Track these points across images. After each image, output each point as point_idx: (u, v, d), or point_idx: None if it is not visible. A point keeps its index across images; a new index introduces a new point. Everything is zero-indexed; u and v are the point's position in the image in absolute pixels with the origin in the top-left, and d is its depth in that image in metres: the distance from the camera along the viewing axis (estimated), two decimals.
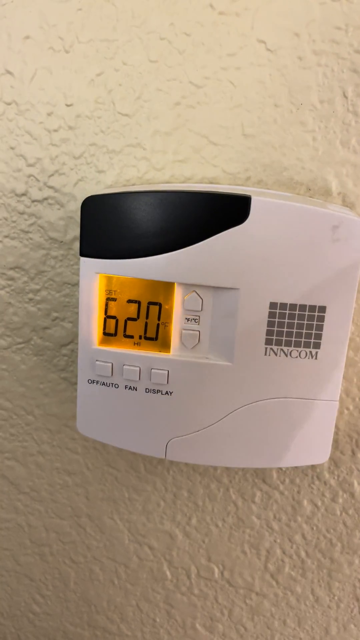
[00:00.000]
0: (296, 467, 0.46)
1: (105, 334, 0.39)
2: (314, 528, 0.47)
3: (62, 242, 0.43)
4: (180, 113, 0.39)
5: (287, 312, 0.36)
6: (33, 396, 0.48)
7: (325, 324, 0.36)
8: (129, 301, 0.38)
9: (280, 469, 0.46)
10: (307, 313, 0.36)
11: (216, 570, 0.51)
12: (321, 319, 0.36)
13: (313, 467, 0.45)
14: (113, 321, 0.39)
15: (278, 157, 0.39)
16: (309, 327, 0.36)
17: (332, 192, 0.39)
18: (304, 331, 0.36)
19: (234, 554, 0.50)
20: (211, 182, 0.40)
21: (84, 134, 0.41)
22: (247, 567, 0.50)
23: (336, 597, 0.49)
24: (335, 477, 0.45)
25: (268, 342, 0.37)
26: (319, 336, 0.36)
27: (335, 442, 0.44)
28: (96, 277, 0.38)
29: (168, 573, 0.52)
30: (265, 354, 0.37)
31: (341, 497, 0.46)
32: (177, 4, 0.37)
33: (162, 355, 0.38)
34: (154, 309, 0.38)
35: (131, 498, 0.50)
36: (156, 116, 0.39)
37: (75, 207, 0.42)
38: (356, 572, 0.48)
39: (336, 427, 0.44)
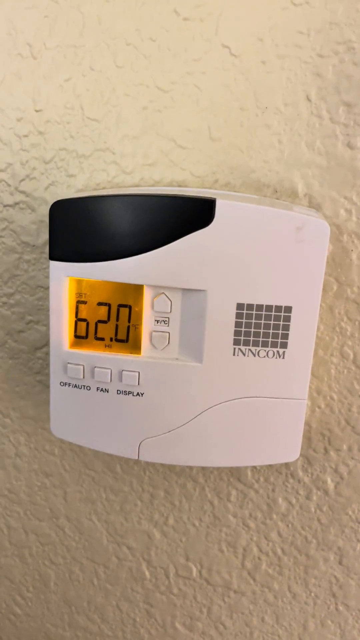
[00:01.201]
0: (270, 466, 0.46)
1: (76, 336, 0.39)
2: (290, 525, 0.48)
3: (34, 245, 0.44)
4: (148, 117, 0.40)
5: (254, 312, 0.37)
6: (9, 399, 0.49)
7: (292, 324, 0.37)
8: (99, 304, 0.39)
9: (255, 467, 0.46)
10: (273, 313, 0.37)
11: (194, 569, 0.51)
12: (287, 319, 0.37)
13: (287, 465, 0.46)
14: (84, 324, 0.39)
15: (245, 159, 0.39)
16: (276, 327, 0.37)
17: (299, 194, 0.39)
18: (271, 331, 0.37)
19: (211, 553, 0.50)
20: (180, 185, 0.41)
21: (54, 139, 0.41)
22: (225, 566, 0.51)
23: (313, 594, 0.50)
24: (309, 475, 0.46)
25: (236, 342, 0.37)
26: (285, 336, 0.37)
27: (308, 440, 0.45)
28: (66, 280, 0.38)
29: (147, 573, 0.53)
30: (234, 354, 0.38)
31: (315, 494, 0.46)
32: (142, 9, 0.38)
33: (133, 357, 0.39)
34: (124, 312, 0.39)
35: (109, 499, 0.51)
36: (124, 120, 0.40)
37: (46, 211, 0.43)
38: (332, 568, 0.49)
39: (308, 425, 0.44)
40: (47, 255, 0.44)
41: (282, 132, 0.38)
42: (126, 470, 0.49)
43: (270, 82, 0.38)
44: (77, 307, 0.39)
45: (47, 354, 0.46)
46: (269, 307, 0.36)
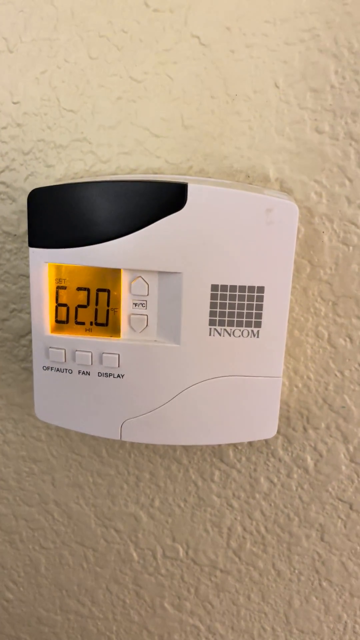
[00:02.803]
0: (251, 445, 0.47)
1: (57, 321, 0.40)
2: (272, 504, 0.49)
3: (15, 235, 0.45)
4: (123, 107, 0.41)
5: (228, 293, 0.38)
6: None
7: (265, 304, 0.38)
8: (79, 289, 0.40)
9: (237, 447, 0.48)
10: (246, 294, 0.38)
11: (181, 549, 0.53)
12: (260, 298, 0.38)
13: (267, 444, 0.47)
14: (64, 309, 0.40)
15: (217, 146, 0.41)
16: (250, 307, 0.38)
17: (270, 179, 0.41)
18: (245, 311, 0.38)
19: (197, 533, 0.52)
20: (155, 173, 0.42)
21: (32, 131, 0.42)
22: (211, 545, 0.52)
23: (297, 571, 0.51)
24: (289, 454, 0.47)
25: (212, 322, 0.38)
26: (259, 315, 0.38)
27: (287, 420, 0.46)
28: (45, 267, 0.39)
29: (135, 555, 0.54)
30: (210, 335, 0.39)
31: (296, 472, 0.48)
32: (113, 2, 0.39)
33: (113, 340, 0.40)
34: (103, 296, 0.40)
35: (95, 482, 0.52)
36: (100, 111, 0.41)
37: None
38: (314, 545, 0.50)
39: (287, 404, 0.45)
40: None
41: (252, 119, 0.40)
42: (112, 454, 0.50)
43: (239, 70, 0.39)
44: (57, 293, 0.40)
45: (32, 341, 0.48)
46: (242, 288, 0.38)
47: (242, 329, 0.38)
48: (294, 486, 0.48)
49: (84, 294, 0.40)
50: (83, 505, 0.53)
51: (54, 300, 0.40)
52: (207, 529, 0.51)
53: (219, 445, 0.48)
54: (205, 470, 0.49)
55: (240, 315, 0.38)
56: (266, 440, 0.47)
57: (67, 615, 0.59)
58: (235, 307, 0.38)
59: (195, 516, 0.51)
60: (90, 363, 0.40)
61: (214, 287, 0.38)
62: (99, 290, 0.40)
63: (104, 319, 0.40)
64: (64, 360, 0.41)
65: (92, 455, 0.51)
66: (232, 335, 0.39)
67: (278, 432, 0.46)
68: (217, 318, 0.38)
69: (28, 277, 0.46)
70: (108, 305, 0.40)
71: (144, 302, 0.40)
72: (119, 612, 0.57)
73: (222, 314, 0.38)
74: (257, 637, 0.55)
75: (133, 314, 0.40)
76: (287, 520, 0.50)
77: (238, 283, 0.38)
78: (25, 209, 0.44)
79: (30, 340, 0.48)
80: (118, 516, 0.53)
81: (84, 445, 0.51)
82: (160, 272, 0.38)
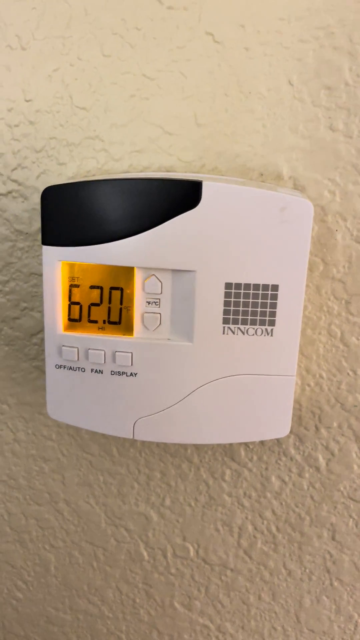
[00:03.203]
0: (263, 444, 0.47)
1: (70, 319, 0.40)
2: (283, 503, 0.49)
3: (27, 233, 0.45)
4: (135, 105, 0.41)
5: (242, 291, 0.38)
6: (6, 386, 0.50)
7: (279, 302, 0.38)
8: (92, 287, 0.40)
9: (248, 446, 0.48)
10: (260, 292, 0.38)
11: (191, 549, 0.53)
12: (274, 297, 0.38)
13: (279, 443, 0.47)
14: (77, 307, 0.40)
15: (230, 144, 0.40)
16: (264, 305, 0.38)
17: (284, 177, 0.40)
18: (259, 309, 0.38)
19: (207, 532, 0.52)
20: (168, 171, 0.42)
21: (44, 128, 0.42)
22: (221, 545, 0.52)
23: (307, 570, 0.51)
24: (301, 453, 0.47)
25: (225, 321, 0.38)
26: (273, 314, 0.38)
27: (299, 419, 0.46)
28: (59, 265, 0.39)
29: (145, 554, 0.54)
30: (224, 333, 0.39)
31: (307, 471, 0.48)
32: (127, 0, 0.39)
33: (126, 338, 0.40)
34: (116, 294, 0.40)
35: (106, 482, 0.52)
36: (112, 109, 0.41)
37: (38, 200, 0.44)
38: (325, 544, 0.50)
39: (299, 403, 0.45)
40: (40, 242, 0.45)
41: (265, 117, 0.40)
42: (122, 453, 0.50)
43: (252, 68, 0.39)
44: (70, 291, 0.40)
45: (43, 340, 0.47)
46: (256, 286, 0.38)
47: (256, 327, 0.38)
48: (305, 485, 0.48)
49: (97, 292, 0.40)
50: (93, 504, 0.53)
51: (67, 299, 0.40)
52: (217, 528, 0.51)
53: (230, 444, 0.48)
54: (216, 469, 0.49)
55: (254, 313, 0.38)
56: (278, 439, 0.47)
57: (77, 615, 0.58)
58: (249, 306, 0.38)
59: (206, 515, 0.51)
60: (103, 361, 0.40)
61: (228, 286, 0.38)
62: (112, 288, 0.40)
63: (117, 318, 0.40)
64: (76, 358, 0.40)
65: (102, 454, 0.51)
66: (245, 333, 0.39)
67: (290, 431, 0.46)
68: (231, 316, 0.38)
69: (39, 275, 0.46)
70: (121, 303, 0.40)
71: (157, 300, 0.39)
72: (128, 611, 0.57)
73: (236, 313, 0.38)
74: (268, 636, 0.55)
75: (146, 312, 0.40)
76: (299, 520, 0.50)
77: (252, 281, 0.37)
78: (37, 207, 0.44)
79: (41, 339, 0.48)
80: (128, 515, 0.53)
81: (95, 444, 0.50)
82: (173, 270, 0.38)
